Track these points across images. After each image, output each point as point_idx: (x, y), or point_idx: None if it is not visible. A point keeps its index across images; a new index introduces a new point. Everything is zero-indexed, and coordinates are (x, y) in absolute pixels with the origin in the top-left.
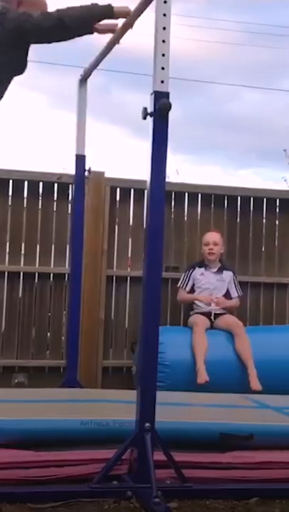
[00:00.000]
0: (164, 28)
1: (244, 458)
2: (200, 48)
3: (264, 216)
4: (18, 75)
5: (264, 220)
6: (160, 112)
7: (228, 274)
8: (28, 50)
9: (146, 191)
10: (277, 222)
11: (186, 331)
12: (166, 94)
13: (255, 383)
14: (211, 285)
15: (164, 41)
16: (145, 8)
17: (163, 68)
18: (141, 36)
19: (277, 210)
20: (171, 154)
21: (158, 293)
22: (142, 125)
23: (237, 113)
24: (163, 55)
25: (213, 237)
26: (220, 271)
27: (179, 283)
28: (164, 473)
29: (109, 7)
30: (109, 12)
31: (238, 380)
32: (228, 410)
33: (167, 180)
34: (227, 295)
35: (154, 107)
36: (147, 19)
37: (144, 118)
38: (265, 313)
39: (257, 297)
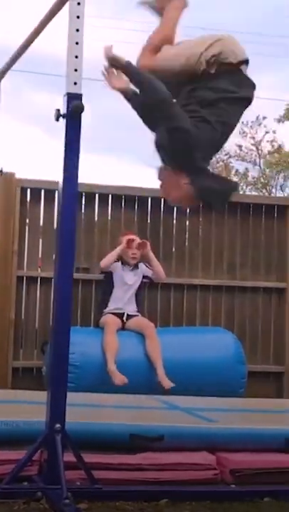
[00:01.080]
0: (78, 30)
1: (154, 459)
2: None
3: (174, 217)
4: None
5: (174, 221)
6: (73, 113)
7: (141, 267)
8: None
9: (57, 192)
10: (187, 222)
11: (96, 332)
12: (79, 96)
13: (165, 381)
14: (129, 281)
15: (77, 43)
16: (59, 10)
17: (76, 70)
18: (56, 37)
19: (188, 210)
20: (84, 155)
21: (69, 294)
22: (55, 125)
23: None
24: (76, 56)
25: (135, 241)
26: (136, 267)
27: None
28: (74, 474)
29: None
30: None
31: (147, 380)
32: (138, 412)
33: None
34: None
35: (67, 109)
36: (61, 21)
37: (57, 120)
38: (176, 315)
39: (167, 298)
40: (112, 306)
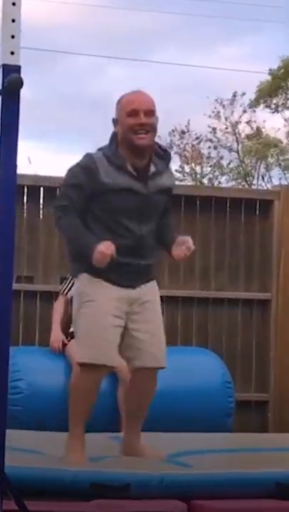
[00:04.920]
0: None
1: (112, 507)
2: (54, 12)
3: None
4: None
5: None
6: (10, 89)
7: None
8: None
9: None
10: None
11: (44, 353)
12: (18, 68)
13: None
14: None
15: (14, 4)
16: None
17: (13, 37)
18: None
19: None
20: (22, 140)
21: (8, 307)
22: None
23: (101, 91)
24: (13, 20)
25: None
26: None
27: (62, 287)
28: None
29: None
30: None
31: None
32: (100, 457)
33: (18, 172)
34: None
35: (3, 83)
36: None
37: None
38: None
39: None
40: None
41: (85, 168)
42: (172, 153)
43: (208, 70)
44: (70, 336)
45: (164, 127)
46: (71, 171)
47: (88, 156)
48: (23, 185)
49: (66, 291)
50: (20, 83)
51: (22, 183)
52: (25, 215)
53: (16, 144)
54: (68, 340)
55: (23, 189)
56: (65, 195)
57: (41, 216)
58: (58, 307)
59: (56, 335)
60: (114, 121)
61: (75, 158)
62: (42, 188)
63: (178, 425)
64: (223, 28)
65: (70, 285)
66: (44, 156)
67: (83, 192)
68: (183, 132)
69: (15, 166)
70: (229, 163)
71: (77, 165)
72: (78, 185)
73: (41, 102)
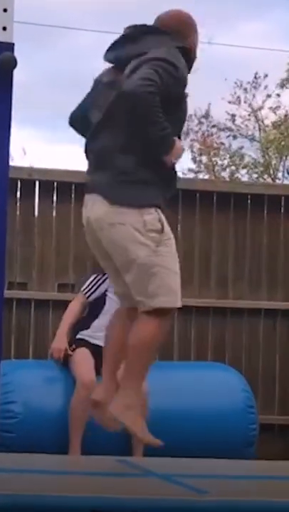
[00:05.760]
0: None
1: None
2: None
3: None
4: None
5: None
6: (2, 68)
7: None
8: None
9: None
10: None
11: (40, 366)
12: (11, 46)
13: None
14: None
15: None
16: None
17: (5, 10)
18: None
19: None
20: (16, 128)
21: None
22: None
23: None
24: None
25: None
26: None
27: (83, 287)
28: None
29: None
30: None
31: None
32: (101, 479)
33: (11, 163)
34: None
35: None
36: None
37: None
38: None
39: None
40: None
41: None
42: (188, 140)
43: (226, 48)
44: (76, 343)
45: None
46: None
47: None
48: (17, 178)
49: (89, 293)
50: (13, 62)
51: (15, 176)
52: (18, 212)
53: (9, 132)
54: (73, 350)
55: (17, 183)
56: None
57: (36, 214)
58: (74, 308)
59: (60, 342)
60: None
61: (73, 148)
62: (37, 183)
63: (191, 453)
64: (243, 1)
65: (94, 287)
66: (39, 146)
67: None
68: (203, 117)
69: (7, 157)
70: (250, 155)
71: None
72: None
73: (35, 84)
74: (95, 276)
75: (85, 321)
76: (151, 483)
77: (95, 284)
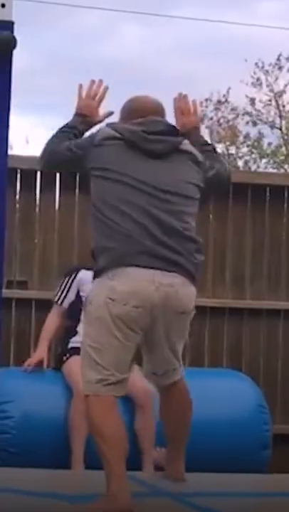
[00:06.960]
0: None
1: None
2: None
3: None
4: None
5: None
6: (1, 49)
7: None
8: None
9: None
10: None
11: (41, 375)
12: (10, 25)
13: (151, 470)
14: None
15: None
16: None
17: None
18: None
19: None
20: (17, 115)
21: None
22: None
23: (112, 55)
24: None
25: None
26: None
27: (55, 296)
28: None
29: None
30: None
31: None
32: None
33: (11, 152)
34: None
35: None
36: None
37: None
38: None
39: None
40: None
41: None
42: (202, 127)
43: (245, 27)
44: (69, 352)
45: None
46: None
47: None
48: (17, 168)
49: (61, 299)
50: (13, 42)
51: (15, 166)
52: (17, 205)
53: (8, 116)
54: (67, 358)
55: (16, 174)
56: None
57: (38, 208)
58: (50, 324)
59: (35, 356)
60: None
61: None
62: (39, 174)
63: (204, 463)
64: None
65: (64, 291)
66: (43, 135)
67: None
68: (219, 102)
69: (6, 144)
70: (271, 143)
71: None
72: None
73: (39, 68)
74: (62, 280)
75: (70, 328)
76: (158, 505)
77: (64, 289)
